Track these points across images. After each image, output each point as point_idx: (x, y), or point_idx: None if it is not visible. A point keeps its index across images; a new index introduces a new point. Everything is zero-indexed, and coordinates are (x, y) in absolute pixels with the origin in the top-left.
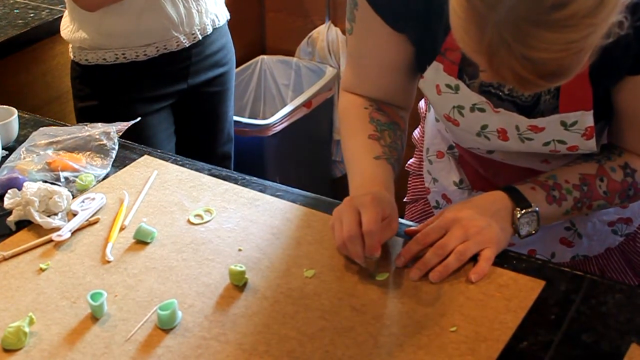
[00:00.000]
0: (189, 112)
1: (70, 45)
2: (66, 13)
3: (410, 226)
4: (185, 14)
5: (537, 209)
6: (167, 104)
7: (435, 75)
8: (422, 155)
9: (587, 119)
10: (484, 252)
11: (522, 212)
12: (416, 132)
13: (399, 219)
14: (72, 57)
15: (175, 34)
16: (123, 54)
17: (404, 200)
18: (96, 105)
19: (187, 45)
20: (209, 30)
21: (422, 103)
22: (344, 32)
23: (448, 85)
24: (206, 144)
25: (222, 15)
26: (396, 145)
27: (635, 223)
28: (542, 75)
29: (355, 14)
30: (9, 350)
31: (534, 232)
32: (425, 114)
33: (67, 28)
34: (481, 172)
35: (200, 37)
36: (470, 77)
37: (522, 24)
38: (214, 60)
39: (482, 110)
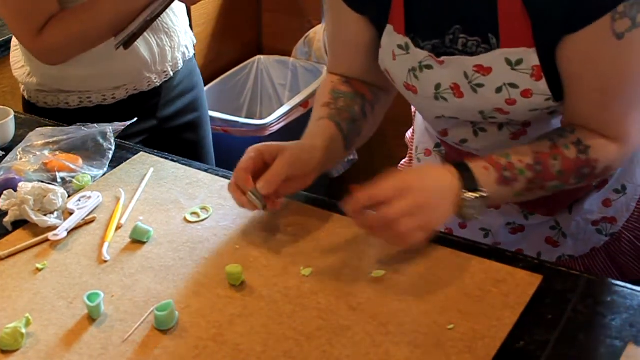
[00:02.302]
0: (165, 145)
1: (24, 86)
2: (15, 43)
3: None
4: (159, 53)
5: (485, 194)
6: (137, 141)
7: (389, 39)
8: (412, 154)
9: (531, 57)
10: (416, 234)
11: (470, 196)
12: (408, 133)
13: None
14: (25, 96)
15: (147, 75)
16: (88, 98)
17: None
18: None
19: (158, 85)
20: (180, 65)
21: None
22: None
23: (400, 46)
24: None
25: (191, 45)
26: (351, 109)
27: (619, 222)
28: None
29: None
30: (6, 352)
31: (477, 217)
32: (415, 112)
33: (20, 68)
34: None
35: (172, 74)
36: (421, 38)
37: None
38: (180, 89)
39: (429, 67)
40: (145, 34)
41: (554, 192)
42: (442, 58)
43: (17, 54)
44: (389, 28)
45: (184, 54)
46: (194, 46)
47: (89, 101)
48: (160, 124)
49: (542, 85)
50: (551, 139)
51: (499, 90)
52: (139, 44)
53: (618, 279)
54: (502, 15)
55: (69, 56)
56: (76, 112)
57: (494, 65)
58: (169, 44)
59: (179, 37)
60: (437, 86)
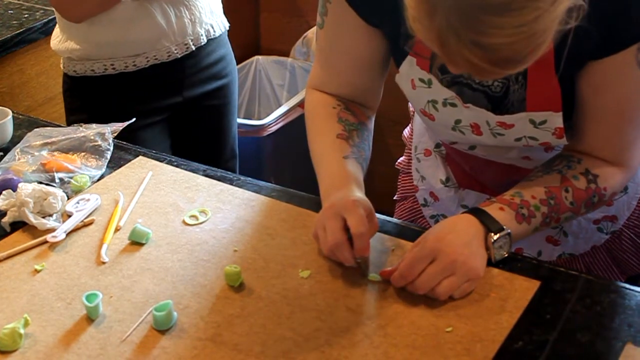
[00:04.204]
0: (187, 126)
1: (61, 58)
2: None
3: (399, 224)
4: (177, 23)
5: (509, 231)
6: (160, 118)
7: (409, 69)
8: (411, 153)
9: (556, 120)
10: (464, 286)
11: (496, 236)
12: (406, 131)
13: (389, 217)
14: (62, 68)
15: (166, 44)
16: (112, 65)
17: (394, 198)
18: (86, 119)
19: (179, 56)
20: (203, 40)
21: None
22: None
23: (421, 80)
24: (208, 160)
25: (218, 26)
26: (364, 145)
27: (620, 221)
28: (494, 62)
29: (328, 7)
30: (4, 352)
31: (506, 254)
32: (414, 112)
33: (57, 38)
34: (466, 169)
35: (194, 48)
36: (442, 72)
37: (469, 9)
38: (211, 72)
39: (453, 105)
40: (163, 3)
41: (565, 222)
42: (469, 104)
43: (56, 31)
44: (410, 60)
45: (207, 31)
46: (227, 33)
47: (112, 68)
48: (186, 102)
49: (562, 141)
50: (560, 171)
51: (518, 139)
52: (156, 12)
53: (617, 275)
54: (531, 80)
55: (85, 10)
56: (101, 79)
57: (517, 123)
58: (188, 16)
59: (200, 13)
60: (457, 121)
